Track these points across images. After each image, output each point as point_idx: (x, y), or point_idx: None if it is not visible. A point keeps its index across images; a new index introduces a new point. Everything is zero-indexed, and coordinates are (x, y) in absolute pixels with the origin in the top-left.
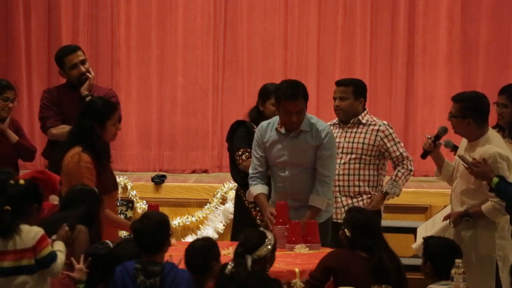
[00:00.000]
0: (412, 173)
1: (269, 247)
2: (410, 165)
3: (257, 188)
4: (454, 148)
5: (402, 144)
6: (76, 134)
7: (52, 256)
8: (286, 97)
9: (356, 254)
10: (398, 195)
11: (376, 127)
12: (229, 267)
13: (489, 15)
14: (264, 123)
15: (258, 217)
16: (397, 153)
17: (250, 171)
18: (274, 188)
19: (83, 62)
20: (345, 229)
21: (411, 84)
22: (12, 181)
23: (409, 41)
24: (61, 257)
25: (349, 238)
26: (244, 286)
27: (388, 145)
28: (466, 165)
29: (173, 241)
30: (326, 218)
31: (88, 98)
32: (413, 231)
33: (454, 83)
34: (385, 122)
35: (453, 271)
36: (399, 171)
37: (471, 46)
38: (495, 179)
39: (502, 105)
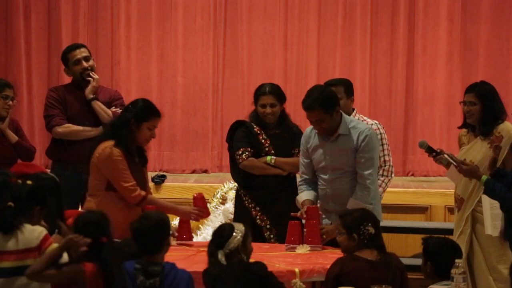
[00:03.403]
0: (391, 179)
1: (239, 237)
2: (391, 171)
3: (302, 195)
4: (429, 150)
5: (389, 148)
6: (112, 125)
7: None
8: (303, 106)
9: (359, 259)
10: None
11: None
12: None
13: (489, 15)
14: (308, 129)
15: (258, 217)
16: (380, 154)
17: (299, 177)
18: (319, 192)
19: (86, 58)
20: (368, 228)
21: (411, 84)
22: (19, 181)
23: (409, 41)
24: (64, 255)
25: (372, 235)
26: (222, 281)
27: None
28: (455, 163)
29: (173, 241)
30: None
31: (94, 101)
32: (413, 231)
33: (454, 83)
34: (376, 121)
35: (453, 271)
36: (378, 178)
37: (471, 46)
38: (484, 177)
39: (470, 103)
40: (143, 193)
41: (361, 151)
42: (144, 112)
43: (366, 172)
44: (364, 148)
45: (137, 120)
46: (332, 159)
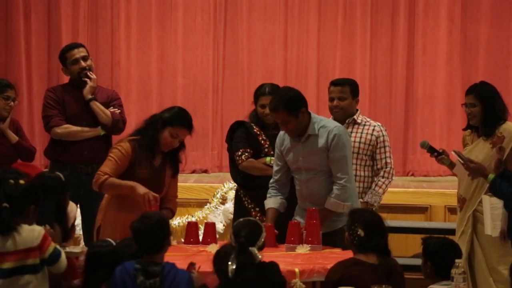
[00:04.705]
0: (392, 181)
1: (264, 234)
2: (392, 173)
3: (268, 202)
4: (430, 150)
5: (391, 150)
6: (145, 121)
7: (57, 252)
8: (269, 107)
9: (360, 263)
10: (378, 203)
11: (372, 127)
12: (231, 267)
13: (489, 15)
14: (281, 132)
15: (258, 218)
16: (383, 156)
17: (271, 179)
18: (296, 192)
19: (84, 58)
20: (357, 229)
21: (411, 84)
22: (12, 181)
23: (409, 41)
24: (62, 253)
25: (361, 238)
26: (250, 282)
27: (378, 146)
28: (462, 161)
29: (173, 241)
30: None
31: (92, 102)
32: (413, 231)
33: (454, 83)
34: (379, 123)
35: (453, 271)
36: (379, 180)
37: (471, 46)
38: (491, 176)
39: (470, 104)
40: (101, 180)
41: (332, 151)
42: (172, 117)
43: (340, 171)
44: (335, 148)
45: (163, 122)
46: (305, 160)
